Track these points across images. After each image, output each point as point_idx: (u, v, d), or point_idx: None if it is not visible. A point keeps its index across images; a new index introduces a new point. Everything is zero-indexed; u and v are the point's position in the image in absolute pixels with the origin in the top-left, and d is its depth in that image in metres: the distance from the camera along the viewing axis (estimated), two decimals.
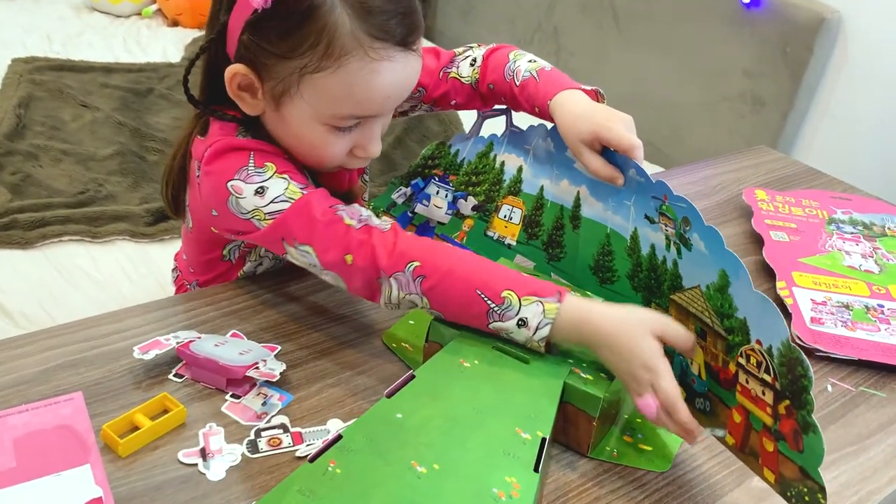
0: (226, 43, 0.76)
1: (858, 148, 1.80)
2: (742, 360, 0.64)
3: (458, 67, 0.93)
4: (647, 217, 0.75)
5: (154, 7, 2.58)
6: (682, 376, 0.71)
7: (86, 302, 1.32)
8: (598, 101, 0.83)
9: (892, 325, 0.93)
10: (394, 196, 0.98)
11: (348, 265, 0.71)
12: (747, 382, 0.64)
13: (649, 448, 0.73)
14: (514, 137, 0.90)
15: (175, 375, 0.74)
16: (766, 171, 1.33)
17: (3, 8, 2.46)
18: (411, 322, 0.85)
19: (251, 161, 0.76)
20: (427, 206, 0.95)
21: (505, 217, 0.90)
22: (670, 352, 0.71)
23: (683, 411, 0.64)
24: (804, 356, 0.59)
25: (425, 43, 0.86)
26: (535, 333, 0.68)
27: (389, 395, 0.64)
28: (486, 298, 0.69)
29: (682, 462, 0.72)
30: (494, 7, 2.50)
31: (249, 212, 0.75)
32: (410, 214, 0.97)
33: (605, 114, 0.77)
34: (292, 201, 0.74)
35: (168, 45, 2.39)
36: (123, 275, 1.39)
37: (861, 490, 0.72)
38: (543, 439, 0.62)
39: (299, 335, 0.81)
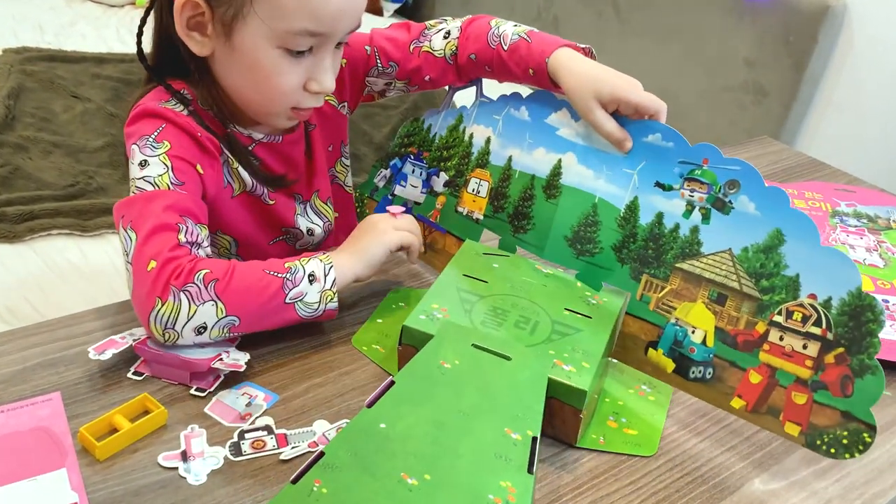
0: None
1: (862, 139, 1.77)
2: (779, 318, 0.69)
3: (430, 41, 0.91)
4: (658, 184, 0.75)
5: None
6: (677, 347, 0.74)
7: (75, 296, 1.29)
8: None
9: None
10: (375, 180, 0.96)
11: (146, 271, 0.69)
12: (781, 339, 0.68)
13: (634, 432, 0.72)
14: (484, 108, 0.88)
15: (134, 373, 0.72)
16: (769, 163, 1.30)
17: None
18: (379, 321, 0.82)
19: (155, 133, 0.76)
20: (405, 187, 0.94)
21: (473, 191, 0.88)
22: (662, 324, 0.74)
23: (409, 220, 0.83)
24: (877, 301, 0.64)
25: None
26: (325, 281, 0.75)
27: (370, 405, 0.62)
28: (275, 273, 0.73)
29: (681, 464, 0.70)
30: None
31: (131, 178, 0.76)
32: (391, 197, 0.96)
33: (623, 76, 0.78)
34: (154, 189, 0.73)
35: None
36: (113, 269, 1.36)
37: (865, 493, 0.70)
38: (534, 439, 0.61)
39: (286, 333, 0.78)
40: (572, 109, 0.81)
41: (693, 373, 0.73)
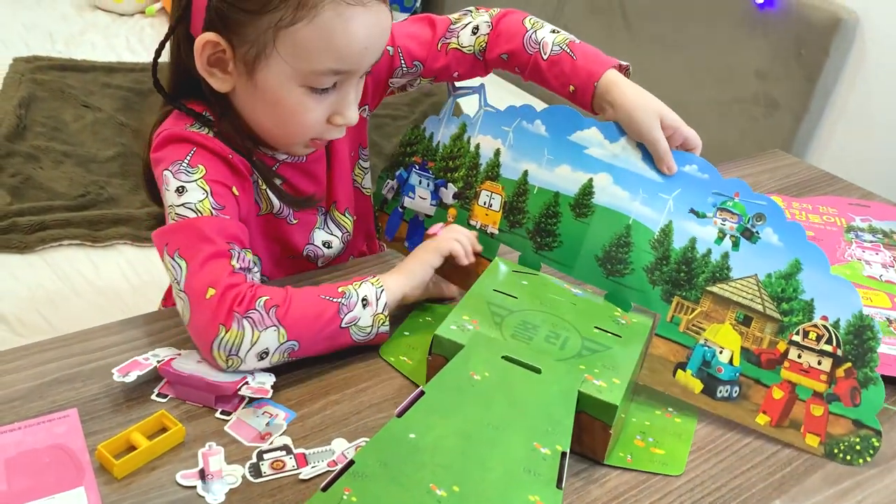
0: (191, 23, 0.75)
1: (874, 152, 1.76)
2: (797, 338, 0.75)
3: (458, 37, 0.90)
4: (693, 211, 0.79)
5: (158, 5, 2.55)
6: (706, 367, 0.77)
7: (86, 308, 1.29)
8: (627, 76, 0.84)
9: None
10: (383, 192, 0.96)
11: (205, 298, 0.69)
12: (799, 357, 0.74)
13: (661, 452, 0.72)
14: (490, 118, 0.88)
15: (158, 395, 0.71)
16: (782, 176, 1.30)
17: (5, 6, 2.44)
18: (406, 333, 0.82)
19: (187, 158, 0.75)
20: (413, 199, 0.93)
21: (484, 204, 0.88)
22: (691, 344, 0.77)
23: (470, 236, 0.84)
24: (875, 321, 0.73)
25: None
26: (377, 305, 0.75)
27: (400, 415, 0.62)
28: (331, 298, 0.74)
29: (701, 484, 0.69)
30: (502, 6, 2.47)
31: (168, 205, 0.75)
32: (401, 210, 0.95)
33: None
34: (198, 215, 0.73)
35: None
36: (125, 280, 1.36)
37: None
38: (563, 454, 0.61)
39: None
40: (606, 129, 0.82)
41: (720, 392, 0.76)
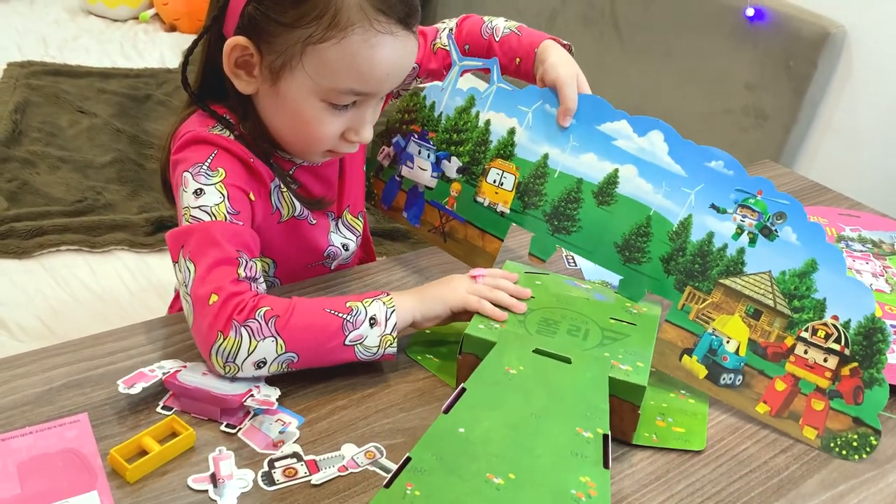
0: (224, 24, 0.77)
1: (861, 163, 1.80)
2: (805, 334, 0.77)
3: (441, 38, 0.97)
4: (713, 206, 0.81)
5: (151, 11, 2.56)
6: (712, 355, 0.79)
7: (84, 313, 1.29)
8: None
9: None
10: (379, 157, 0.95)
11: (207, 304, 0.70)
12: (806, 353, 0.77)
13: (682, 430, 0.75)
14: (504, 95, 0.87)
15: (163, 408, 0.71)
16: None
17: None
18: (427, 331, 0.84)
19: (208, 160, 0.76)
20: (412, 169, 0.92)
21: (494, 182, 0.88)
22: (699, 332, 0.80)
23: (505, 279, 0.81)
24: (887, 324, 0.75)
25: None
26: (386, 326, 0.74)
27: (446, 411, 0.65)
28: (336, 313, 0.73)
29: (701, 489, 0.71)
30: (494, 12, 2.50)
31: (184, 207, 0.75)
32: (398, 178, 0.94)
33: None
34: (211, 218, 0.74)
35: (165, 50, 2.37)
36: (123, 286, 1.36)
37: None
38: (606, 436, 0.64)
39: None
40: (634, 122, 0.83)
41: (724, 379, 0.79)
